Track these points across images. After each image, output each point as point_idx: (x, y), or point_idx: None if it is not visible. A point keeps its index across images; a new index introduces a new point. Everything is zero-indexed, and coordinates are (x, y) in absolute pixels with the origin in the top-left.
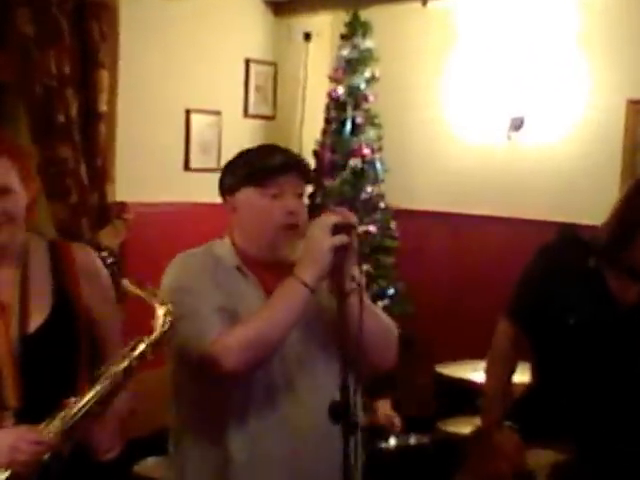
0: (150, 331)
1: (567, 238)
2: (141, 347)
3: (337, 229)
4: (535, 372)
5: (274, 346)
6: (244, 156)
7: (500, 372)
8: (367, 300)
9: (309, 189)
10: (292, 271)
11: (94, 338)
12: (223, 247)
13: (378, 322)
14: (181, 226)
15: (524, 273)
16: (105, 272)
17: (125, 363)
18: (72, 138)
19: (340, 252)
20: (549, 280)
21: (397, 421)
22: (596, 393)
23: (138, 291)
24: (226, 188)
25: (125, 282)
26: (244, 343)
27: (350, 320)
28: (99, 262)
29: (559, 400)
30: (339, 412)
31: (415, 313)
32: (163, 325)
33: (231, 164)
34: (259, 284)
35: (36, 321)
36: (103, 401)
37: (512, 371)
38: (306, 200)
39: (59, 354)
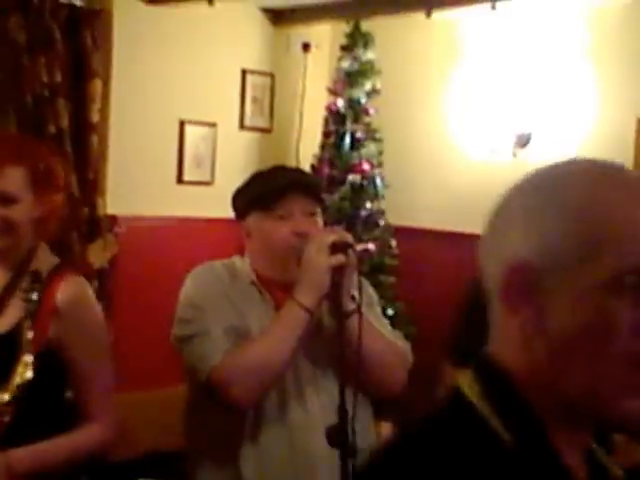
0: None
1: None
2: None
3: (334, 248)
4: None
5: (276, 372)
6: (252, 180)
7: None
8: (371, 321)
9: None
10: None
11: (65, 373)
12: (243, 263)
13: (384, 343)
14: (173, 241)
15: (462, 311)
16: (92, 313)
17: None
18: (63, 149)
19: (338, 272)
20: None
21: None
22: None
23: None
24: (238, 213)
25: None
26: (244, 373)
27: (352, 341)
28: (87, 300)
29: None
30: (336, 436)
31: (416, 335)
32: None
33: (241, 189)
34: (273, 303)
35: (4, 325)
36: None
37: None
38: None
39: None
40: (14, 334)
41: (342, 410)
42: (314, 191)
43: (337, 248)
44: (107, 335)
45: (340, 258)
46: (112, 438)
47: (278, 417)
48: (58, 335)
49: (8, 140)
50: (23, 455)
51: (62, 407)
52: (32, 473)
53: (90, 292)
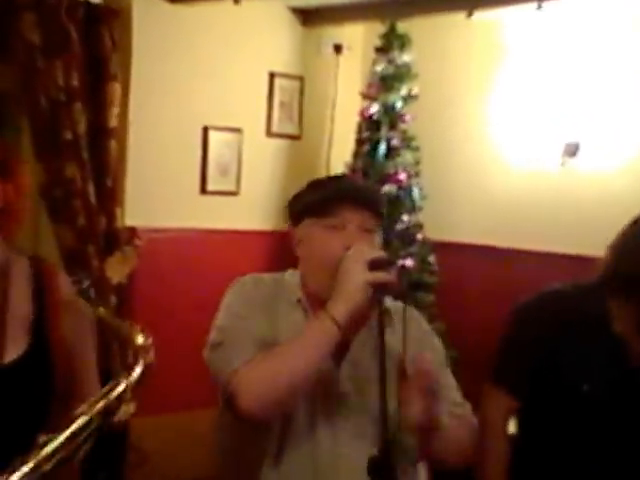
0: (129, 369)
1: (568, 285)
2: (119, 389)
3: (374, 265)
4: (530, 440)
5: (294, 383)
6: (310, 185)
7: (502, 461)
8: (442, 383)
9: None
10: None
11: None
12: (293, 277)
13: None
14: (196, 254)
15: (518, 327)
16: (82, 301)
17: (101, 404)
18: (79, 156)
19: (380, 291)
20: (554, 337)
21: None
22: (612, 462)
23: (114, 321)
24: (292, 219)
25: (101, 310)
26: (260, 381)
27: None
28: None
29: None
30: (379, 469)
31: (456, 357)
32: (142, 365)
33: (298, 194)
34: None
35: (11, 353)
36: (76, 445)
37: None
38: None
39: (31, 391)
40: (18, 368)
41: (385, 441)
42: (374, 206)
43: (378, 264)
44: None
45: (380, 276)
46: None
47: (304, 443)
48: (67, 330)
49: None
50: None
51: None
52: None
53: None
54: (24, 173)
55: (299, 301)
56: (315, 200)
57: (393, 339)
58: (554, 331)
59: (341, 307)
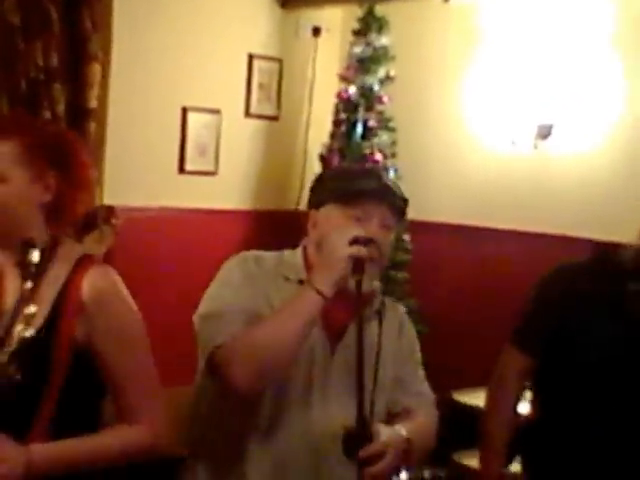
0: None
1: (594, 258)
2: None
3: (355, 242)
4: (541, 407)
5: (280, 355)
6: (341, 172)
7: (505, 417)
8: (408, 371)
9: None
10: (352, 302)
11: (95, 372)
12: (294, 257)
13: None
14: (174, 233)
15: (540, 292)
16: (123, 305)
17: None
18: None
19: (358, 267)
20: (571, 308)
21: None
22: (620, 434)
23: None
24: (312, 201)
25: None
26: (244, 353)
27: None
28: (116, 292)
29: (576, 443)
30: (354, 444)
31: (428, 333)
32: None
33: (323, 177)
34: None
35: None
36: None
37: (516, 414)
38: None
39: (26, 381)
40: (43, 337)
41: (361, 418)
42: (400, 206)
43: (361, 242)
44: (142, 328)
45: (361, 250)
46: (160, 439)
47: (297, 422)
48: (87, 334)
49: None
50: (46, 451)
51: (97, 416)
52: (54, 472)
53: (119, 282)
54: (83, 166)
55: (301, 282)
56: (342, 189)
57: (376, 330)
58: (569, 301)
59: (323, 278)
